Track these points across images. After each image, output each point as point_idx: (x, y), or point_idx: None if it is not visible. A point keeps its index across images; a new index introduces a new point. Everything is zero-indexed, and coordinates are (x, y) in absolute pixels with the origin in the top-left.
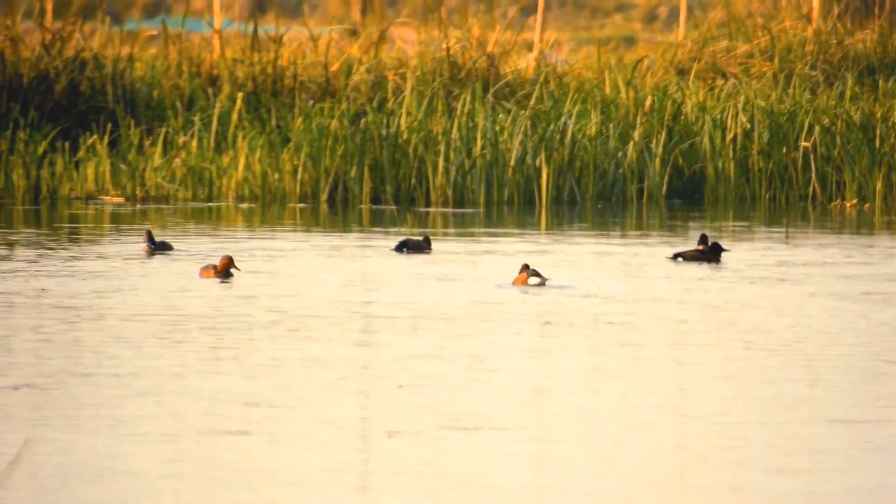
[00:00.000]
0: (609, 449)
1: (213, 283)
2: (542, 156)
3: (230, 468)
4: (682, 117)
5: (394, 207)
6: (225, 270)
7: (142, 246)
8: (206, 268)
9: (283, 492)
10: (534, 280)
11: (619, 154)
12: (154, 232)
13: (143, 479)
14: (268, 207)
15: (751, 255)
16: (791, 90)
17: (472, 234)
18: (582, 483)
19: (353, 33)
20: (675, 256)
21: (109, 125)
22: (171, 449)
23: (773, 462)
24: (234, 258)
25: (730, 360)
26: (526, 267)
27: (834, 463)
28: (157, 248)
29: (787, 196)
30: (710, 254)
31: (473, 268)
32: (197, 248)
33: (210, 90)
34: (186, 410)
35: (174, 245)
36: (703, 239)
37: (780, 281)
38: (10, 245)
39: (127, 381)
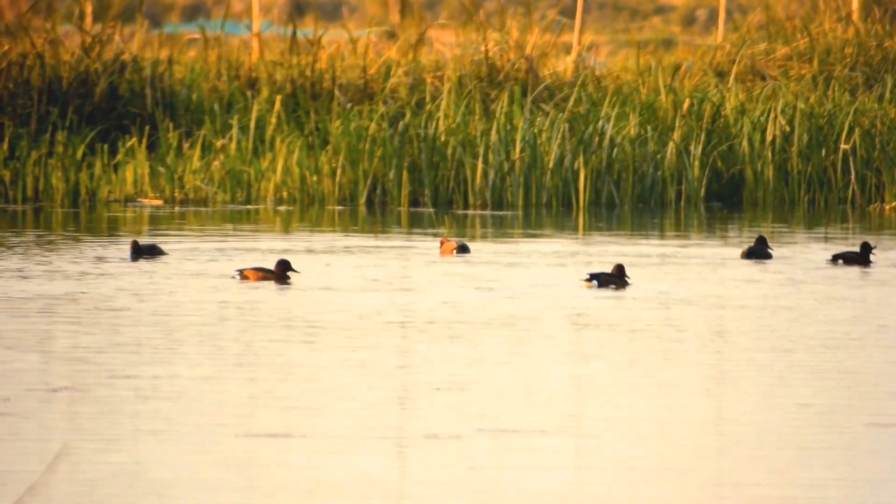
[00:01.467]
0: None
1: (249, 287)
2: (581, 158)
3: (269, 473)
4: (721, 120)
5: (432, 210)
6: (282, 275)
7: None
8: (250, 270)
9: (323, 495)
10: (457, 252)
11: (658, 157)
12: (192, 233)
13: (181, 483)
14: (306, 210)
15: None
16: (830, 92)
17: (510, 237)
18: (620, 487)
19: (392, 36)
20: (835, 259)
21: (148, 128)
22: (210, 453)
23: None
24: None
25: None
26: (447, 240)
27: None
28: (145, 252)
29: (826, 199)
30: (861, 256)
31: (524, 270)
32: (199, 253)
33: (249, 93)
34: (225, 414)
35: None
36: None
37: None
38: (48, 247)
39: (164, 384)
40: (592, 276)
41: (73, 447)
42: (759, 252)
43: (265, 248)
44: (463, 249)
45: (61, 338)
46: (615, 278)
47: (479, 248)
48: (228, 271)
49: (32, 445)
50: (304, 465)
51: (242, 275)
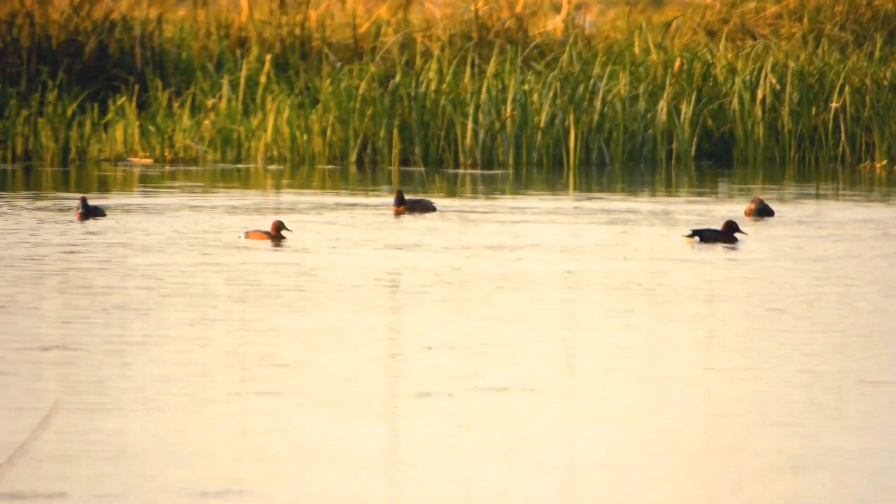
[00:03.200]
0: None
1: (242, 246)
2: (571, 117)
3: (258, 435)
4: (712, 79)
5: (422, 169)
6: (277, 234)
7: (74, 212)
8: (253, 232)
9: (314, 453)
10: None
11: (649, 115)
12: (183, 191)
13: (175, 445)
14: (296, 169)
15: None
16: (821, 51)
17: (500, 196)
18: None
19: None
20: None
21: (138, 87)
22: (201, 413)
23: None
24: (284, 222)
25: None
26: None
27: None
28: (90, 213)
29: (816, 157)
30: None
31: (512, 228)
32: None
33: (238, 52)
34: (215, 375)
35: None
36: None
37: None
38: (37, 206)
39: (157, 345)
40: (695, 233)
41: (64, 407)
42: (764, 210)
43: (252, 207)
44: (422, 207)
45: (49, 299)
46: (722, 234)
47: (463, 206)
48: (222, 231)
49: (24, 405)
50: (294, 426)
51: (247, 236)
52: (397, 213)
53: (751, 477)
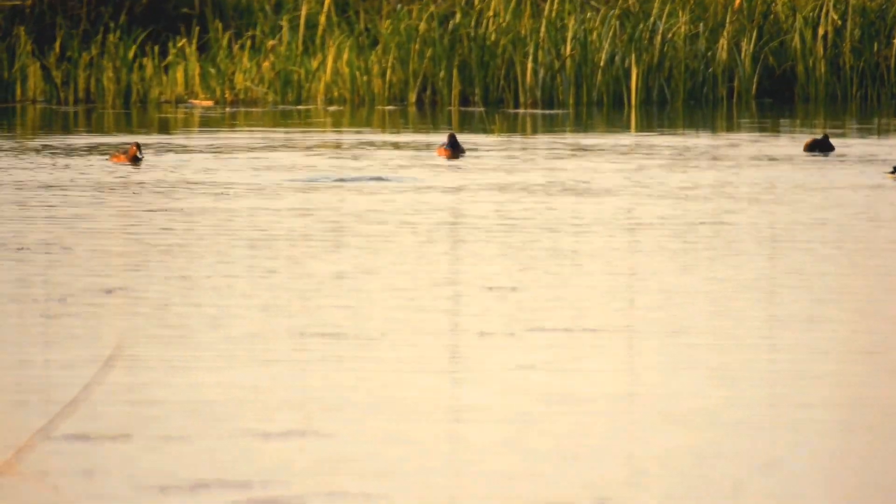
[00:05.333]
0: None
1: (280, 190)
2: (632, 56)
3: (321, 380)
4: (772, 16)
5: (482, 109)
6: (133, 157)
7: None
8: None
9: (372, 394)
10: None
11: (709, 54)
12: (239, 131)
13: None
14: (356, 109)
15: None
16: None
17: (561, 134)
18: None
19: None
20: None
21: (198, 29)
22: (262, 353)
23: None
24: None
25: None
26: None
27: None
28: (139, 159)
29: (878, 93)
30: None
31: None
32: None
33: None
34: (278, 316)
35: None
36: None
37: None
38: (96, 149)
39: (217, 285)
40: None
41: (127, 346)
42: (823, 144)
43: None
44: (455, 148)
45: (107, 241)
46: None
47: (538, 143)
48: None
49: (87, 345)
50: (354, 363)
51: (111, 158)
52: (448, 157)
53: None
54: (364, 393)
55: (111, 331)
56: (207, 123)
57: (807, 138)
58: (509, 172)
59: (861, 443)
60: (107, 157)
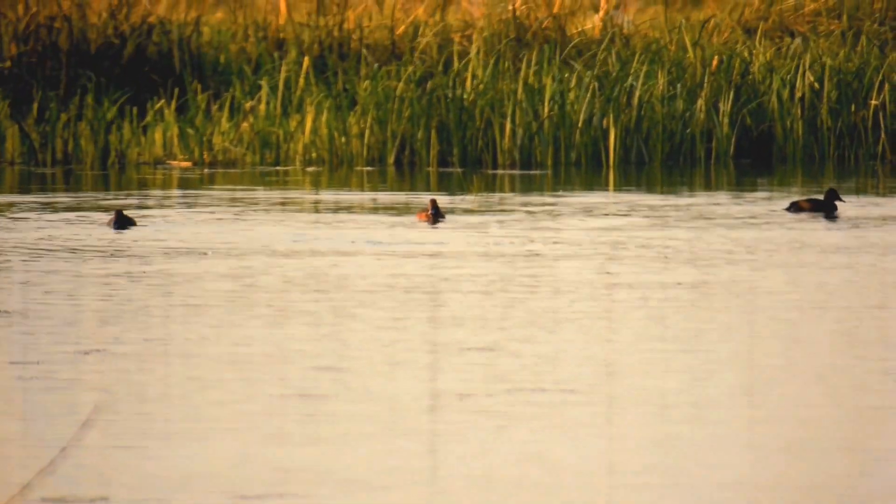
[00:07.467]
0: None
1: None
2: (610, 117)
3: (296, 436)
4: (750, 77)
5: (461, 170)
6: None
7: (107, 220)
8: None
9: (352, 453)
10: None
11: (687, 114)
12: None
13: (215, 444)
14: (335, 170)
15: None
16: (859, 48)
17: (539, 195)
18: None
19: None
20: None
21: (177, 90)
22: (240, 416)
23: None
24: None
25: None
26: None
27: None
28: (124, 224)
29: (856, 154)
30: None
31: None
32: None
33: (276, 54)
34: (255, 372)
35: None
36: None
37: None
38: (78, 207)
39: (194, 344)
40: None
41: (105, 407)
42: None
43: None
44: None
45: (86, 298)
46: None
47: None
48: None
49: (65, 407)
50: (333, 422)
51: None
52: (428, 221)
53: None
54: (342, 457)
55: (89, 393)
56: (186, 185)
57: (804, 196)
58: (487, 234)
59: None
60: (88, 220)
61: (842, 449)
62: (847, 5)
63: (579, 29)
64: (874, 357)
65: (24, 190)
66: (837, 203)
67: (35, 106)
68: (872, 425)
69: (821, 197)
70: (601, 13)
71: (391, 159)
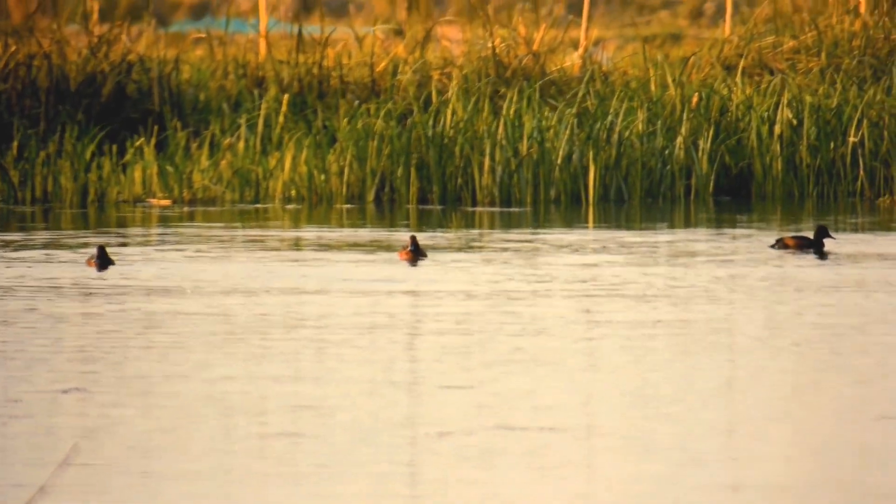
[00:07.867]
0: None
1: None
2: (590, 154)
3: (278, 476)
4: (729, 114)
5: (440, 207)
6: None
7: (88, 261)
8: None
9: (331, 490)
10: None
11: (667, 151)
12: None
13: (191, 482)
14: (314, 208)
15: None
16: (838, 85)
17: (520, 232)
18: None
19: (399, 33)
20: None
21: (156, 128)
22: (219, 453)
23: None
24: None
25: None
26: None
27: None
28: (105, 263)
29: (835, 192)
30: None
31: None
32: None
33: (256, 92)
34: (237, 414)
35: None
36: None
37: None
38: (53, 245)
39: (174, 383)
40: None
41: (83, 447)
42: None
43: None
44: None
45: (66, 338)
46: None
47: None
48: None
49: (43, 446)
50: (314, 462)
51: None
52: (409, 259)
53: None
54: (322, 496)
55: (67, 432)
56: (166, 222)
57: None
58: (467, 272)
59: None
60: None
61: (828, 489)
62: (826, 43)
63: (559, 66)
64: (852, 396)
65: (2, 227)
66: (827, 240)
67: (14, 144)
68: (857, 462)
69: (809, 234)
70: (581, 50)
71: (371, 197)
